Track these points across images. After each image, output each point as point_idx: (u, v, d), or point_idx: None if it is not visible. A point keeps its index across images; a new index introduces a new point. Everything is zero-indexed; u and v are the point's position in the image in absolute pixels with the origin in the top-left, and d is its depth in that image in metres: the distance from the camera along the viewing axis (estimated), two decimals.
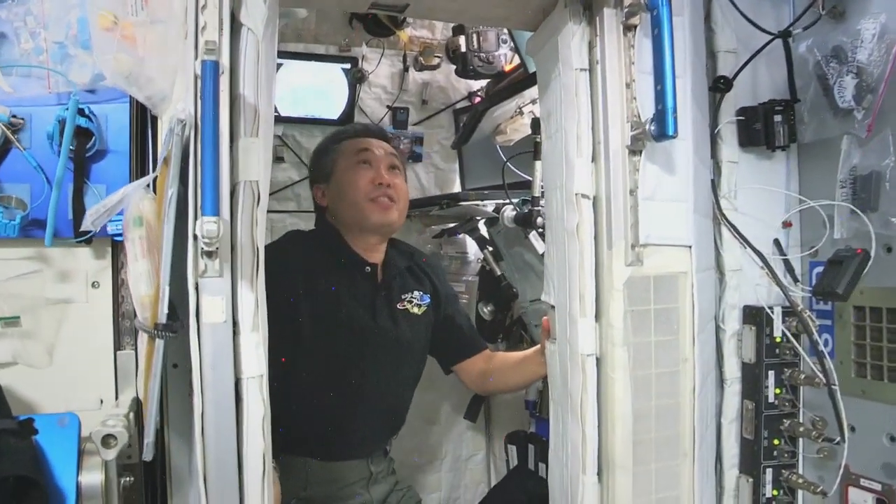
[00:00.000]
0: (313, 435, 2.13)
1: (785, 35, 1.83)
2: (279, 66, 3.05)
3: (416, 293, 2.35)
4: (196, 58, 1.26)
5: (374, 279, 2.28)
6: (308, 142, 3.24)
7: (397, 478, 2.40)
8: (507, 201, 2.56)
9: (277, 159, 3.23)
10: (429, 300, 2.38)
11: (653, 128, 1.48)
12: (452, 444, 3.39)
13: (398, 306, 2.30)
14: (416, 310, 2.33)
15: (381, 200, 2.22)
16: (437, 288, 2.45)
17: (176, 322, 1.24)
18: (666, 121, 1.43)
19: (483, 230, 2.89)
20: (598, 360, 1.59)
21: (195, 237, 1.21)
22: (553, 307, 1.75)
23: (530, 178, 2.43)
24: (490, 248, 2.83)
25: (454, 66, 3.12)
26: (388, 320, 2.25)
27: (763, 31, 1.82)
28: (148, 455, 1.22)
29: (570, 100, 1.59)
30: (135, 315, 1.36)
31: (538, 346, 2.16)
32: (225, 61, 1.29)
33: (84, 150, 1.54)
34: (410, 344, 2.30)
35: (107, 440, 1.32)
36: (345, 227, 2.28)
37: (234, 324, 1.30)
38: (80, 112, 1.53)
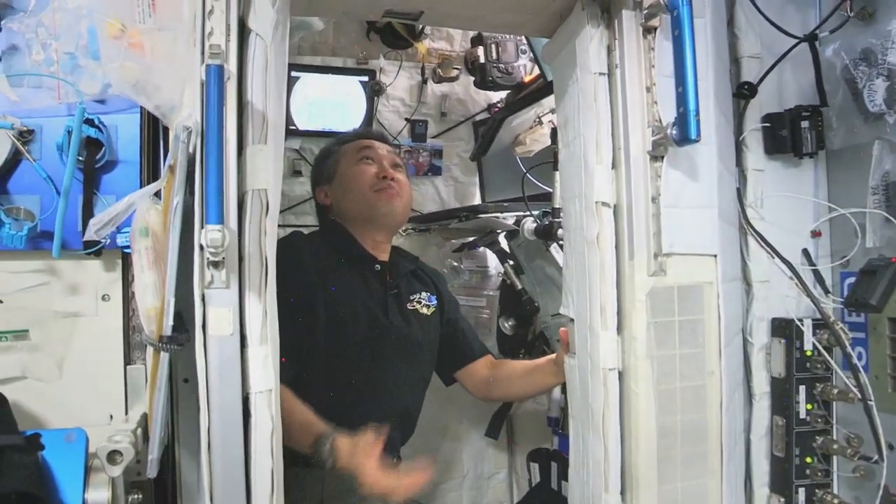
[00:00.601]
0: None
1: (811, 38, 1.78)
2: (296, 79, 3.03)
3: (423, 294, 2.36)
4: (202, 63, 1.23)
5: (383, 277, 2.27)
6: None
7: None
8: (528, 213, 2.51)
9: (295, 173, 3.21)
10: (436, 301, 2.39)
11: (674, 132, 1.43)
12: (474, 462, 3.33)
13: (408, 306, 2.30)
14: (425, 310, 2.33)
15: (387, 191, 2.25)
16: (440, 292, 2.45)
17: (182, 335, 1.21)
18: (688, 124, 1.38)
19: (503, 243, 2.85)
20: (620, 374, 1.55)
21: (201, 247, 1.18)
22: (572, 320, 1.70)
23: (550, 190, 2.39)
24: (511, 262, 2.79)
25: (473, 78, 3.09)
26: (400, 319, 2.24)
27: (788, 34, 1.77)
28: (152, 472, 1.19)
29: (588, 105, 1.55)
30: (141, 334, 1.33)
31: (551, 356, 2.17)
32: (232, 67, 1.26)
33: (94, 160, 1.53)
34: (422, 344, 2.28)
35: (112, 456, 1.29)
36: (351, 224, 2.29)
37: (242, 336, 1.27)
38: (90, 122, 1.52)
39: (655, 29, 1.50)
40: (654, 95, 1.49)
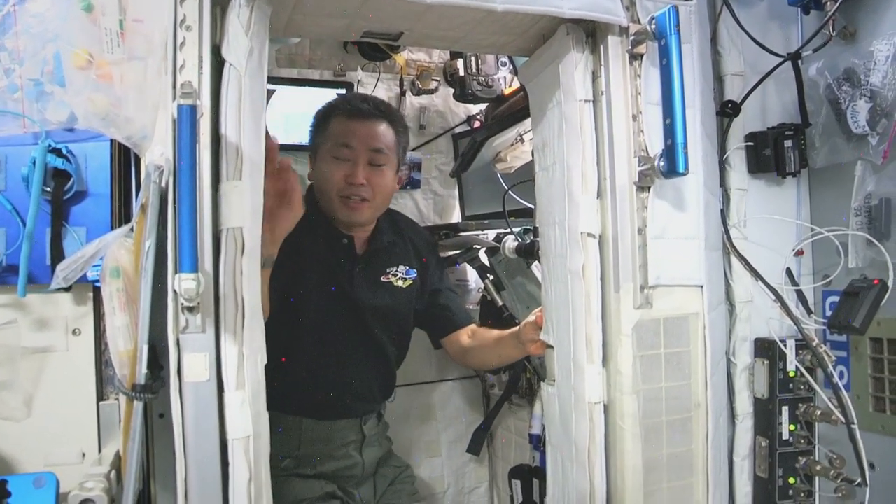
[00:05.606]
0: (306, 394, 2.14)
1: (794, 57, 1.78)
2: (272, 92, 2.96)
3: (401, 268, 2.35)
4: (174, 99, 1.18)
5: (352, 250, 2.24)
6: (304, 170, 3.13)
7: (391, 446, 2.48)
8: (508, 231, 2.48)
9: None
10: (415, 275, 2.37)
11: (662, 163, 1.40)
12: (455, 477, 3.30)
13: (382, 279, 2.30)
14: (401, 283, 2.34)
15: (351, 200, 2.14)
16: (425, 263, 2.44)
17: (156, 382, 1.16)
18: (676, 157, 1.35)
19: (484, 258, 2.82)
20: (605, 407, 1.52)
21: (175, 292, 1.13)
22: (551, 347, 1.67)
23: (532, 206, 2.36)
24: (491, 277, 2.76)
25: (452, 90, 3.04)
26: (365, 289, 2.25)
27: (772, 53, 1.76)
28: None
29: (572, 133, 1.51)
30: (113, 371, 1.28)
31: (515, 329, 2.13)
32: (206, 101, 1.21)
33: (62, 191, 1.48)
34: (390, 308, 2.31)
35: None
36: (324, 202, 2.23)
37: (219, 380, 1.22)
38: (57, 152, 1.46)
39: (642, 55, 1.46)
40: (641, 124, 1.46)
